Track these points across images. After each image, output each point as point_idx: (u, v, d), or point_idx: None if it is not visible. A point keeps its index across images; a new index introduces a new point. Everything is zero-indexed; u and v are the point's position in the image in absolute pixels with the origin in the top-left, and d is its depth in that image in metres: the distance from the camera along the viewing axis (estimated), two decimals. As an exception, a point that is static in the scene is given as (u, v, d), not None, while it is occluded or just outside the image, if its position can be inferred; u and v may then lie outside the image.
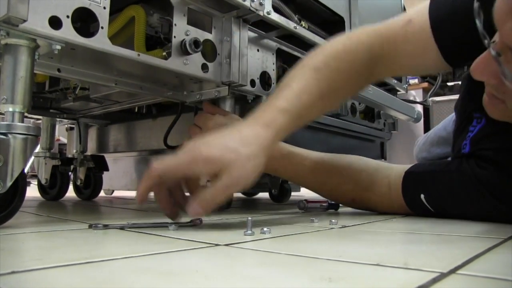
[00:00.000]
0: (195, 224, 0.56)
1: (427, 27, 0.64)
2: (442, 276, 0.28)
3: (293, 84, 0.61)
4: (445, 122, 1.39)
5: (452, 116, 1.40)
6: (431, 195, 0.69)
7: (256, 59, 0.83)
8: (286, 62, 0.99)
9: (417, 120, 1.29)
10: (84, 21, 0.64)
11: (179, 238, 0.45)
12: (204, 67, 0.72)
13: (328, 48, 0.67)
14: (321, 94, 0.62)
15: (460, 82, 2.62)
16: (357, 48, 0.66)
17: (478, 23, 0.46)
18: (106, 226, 0.53)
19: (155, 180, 0.52)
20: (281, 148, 0.77)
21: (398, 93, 1.34)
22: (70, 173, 1.20)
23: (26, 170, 0.54)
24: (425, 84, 3.40)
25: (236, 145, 0.52)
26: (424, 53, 0.65)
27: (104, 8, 0.57)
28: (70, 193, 1.21)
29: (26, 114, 0.54)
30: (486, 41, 0.46)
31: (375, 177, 0.76)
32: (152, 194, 0.54)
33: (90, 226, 0.53)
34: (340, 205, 0.87)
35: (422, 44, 0.64)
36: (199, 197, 0.51)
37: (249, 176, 0.52)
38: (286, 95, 0.59)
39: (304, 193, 1.21)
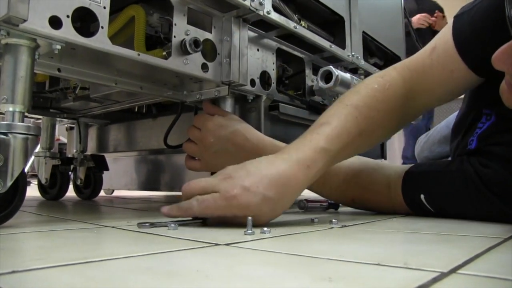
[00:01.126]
0: None
1: (451, 47, 0.64)
2: (443, 275, 0.28)
3: (333, 122, 0.61)
4: (448, 120, 1.39)
5: (454, 115, 1.39)
6: (431, 196, 0.69)
7: (256, 59, 0.84)
8: (286, 61, 0.99)
9: (417, 120, 1.29)
10: (84, 20, 0.64)
11: (179, 238, 0.45)
12: (204, 67, 0.72)
13: (364, 87, 0.67)
14: (360, 133, 0.62)
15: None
16: (391, 85, 0.66)
17: (507, 10, 0.45)
18: (152, 225, 0.54)
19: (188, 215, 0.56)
20: (280, 149, 0.76)
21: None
22: (70, 172, 1.20)
23: (26, 170, 0.54)
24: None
25: (272, 192, 0.53)
26: (452, 74, 0.65)
27: (104, 7, 0.57)
28: (70, 192, 1.21)
29: (26, 113, 0.54)
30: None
31: (375, 177, 0.76)
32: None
33: (139, 225, 0.54)
34: (340, 204, 0.87)
35: (449, 65, 0.65)
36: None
37: (273, 218, 0.57)
38: (326, 134, 0.59)
39: (304, 192, 1.21)
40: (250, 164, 0.57)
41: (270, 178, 0.54)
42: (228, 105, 0.80)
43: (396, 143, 3.23)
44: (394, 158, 3.06)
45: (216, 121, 0.76)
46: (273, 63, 0.87)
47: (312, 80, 0.99)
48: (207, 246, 0.40)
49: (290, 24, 0.82)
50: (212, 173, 0.84)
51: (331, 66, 0.88)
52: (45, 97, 1.08)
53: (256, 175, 0.54)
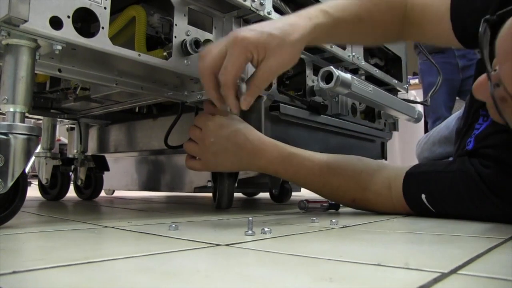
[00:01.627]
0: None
1: (448, 5, 0.67)
2: (443, 276, 0.28)
3: (337, 1, 0.69)
4: (448, 121, 1.39)
5: (455, 115, 1.39)
6: (432, 196, 0.69)
7: (257, 59, 0.83)
8: (286, 62, 0.99)
9: (417, 120, 1.29)
10: (85, 21, 0.64)
11: (180, 238, 0.45)
12: (205, 67, 0.72)
13: None
14: (359, 17, 0.69)
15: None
16: None
17: (482, 48, 0.46)
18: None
19: (212, 77, 0.61)
20: (281, 150, 0.77)
21: (399, 93, 1.33)
22: (70, 173, 1.20)
23: (27, 170, 0.54)
24: (426, 84, 3.40)
25: (278, 31, 0.60)
26: (439, 23, 0.69)
27: (105, 8, 0.57)
28: (71, 193, 1.21)
29: (27, 114, 0.54)
30: (488, 69, 0.46)
31: (375, 177, 0.76)
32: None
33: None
34: (341, 205, 0.87)
35: (440, 14, 0.68)
36: (246, 87, 0.61)
37: (285, 61, 0.61)
38: (329, 4, 0.67)
39: (305, 193, 1.21)
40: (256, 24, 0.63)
41: (275, 24, 0.61)
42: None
43: (396, 144, 3.23)
44: (394, 159, 3.06)
45: (217, 121, 0.76)
46: (274, 64, 0.87)
47: (312, 80, 0.99)
48: (207, 247, 0.40)
49: (291, 25, 0.82)
50: (213, 173, 0.84)
51: (331, 67, 0.88)
52: (45, 98, 1.08)
53: (262, 25, 0.61)
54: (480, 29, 0.46)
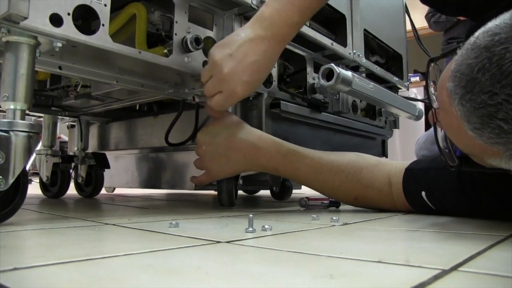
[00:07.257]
0: None
1: None
2: (444, 273, 0.28)
3: None
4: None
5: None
6: (432, 193, 0.69)
7: (257, 57, 0.83)
8: (287, 59, 0.99)
9: (418, 118, 1.28)
10: (85, 18, 0.64)
11: (181, 235, 0.45)
12: (206, 65, 0.72)
13: None
14: None
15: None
16: None
17: (428, 86, 0.51)
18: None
19: None
20: (279, 146, 0.77)
21: (400, 90, 1.33)
22: (71, 170, 1.20)
23: (27, 168, 0.54)
24: (427, 82, 3.39)
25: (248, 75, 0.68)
26: None
27: (105, 5, 0.57)
28: (72, 190, 1.22)
29: (27, 111, 0.54)
30: (433, 105, 0.51)
31: (376, 174, 0.76)
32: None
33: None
34: (341, 203, 0.87)
35: None
36: None
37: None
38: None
39: (306, 190, 1.21)
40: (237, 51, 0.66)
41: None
42: (229, 103, 0.80)
43: (397, 142, 3.23)
44: (395, 156, 3.06)
45: (204, 130, 0.79)
46: (274, 61, 0.87)
47: (313, 78, 0.99)
48: (208, 244, 0.40)
49: (291, 22, 0.82)
50: (218, 181, 0.83)
51: (332, 64, 0.87)
52: (46, 95, 1.08)
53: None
54: (429, 66, 0.51)
